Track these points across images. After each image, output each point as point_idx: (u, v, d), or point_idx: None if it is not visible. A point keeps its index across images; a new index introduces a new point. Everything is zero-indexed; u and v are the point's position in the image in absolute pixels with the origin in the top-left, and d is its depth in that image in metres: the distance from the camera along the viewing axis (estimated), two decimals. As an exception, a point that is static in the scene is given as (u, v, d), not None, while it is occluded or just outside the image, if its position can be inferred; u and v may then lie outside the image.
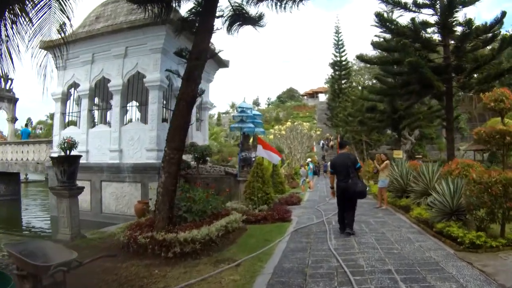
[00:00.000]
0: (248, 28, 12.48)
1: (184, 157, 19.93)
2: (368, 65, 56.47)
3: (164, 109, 20.61)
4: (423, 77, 18.10)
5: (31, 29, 7.20)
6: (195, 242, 9.24)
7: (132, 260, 9.09)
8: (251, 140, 19.65)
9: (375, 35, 23.79)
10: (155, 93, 18.85)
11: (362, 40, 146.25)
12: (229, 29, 12.20)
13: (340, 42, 61.18)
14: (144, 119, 21.18)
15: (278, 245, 10.06)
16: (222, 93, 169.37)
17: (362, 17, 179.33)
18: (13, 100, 29.51)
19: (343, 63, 60.45)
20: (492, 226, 9.25)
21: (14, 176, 27.86)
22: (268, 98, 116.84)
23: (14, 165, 25.46)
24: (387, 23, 19.79)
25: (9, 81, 29.27)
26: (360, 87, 51.14)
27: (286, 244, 10.01)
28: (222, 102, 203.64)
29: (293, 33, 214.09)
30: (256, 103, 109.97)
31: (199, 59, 10.31)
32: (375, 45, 23.96)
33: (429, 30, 20.41)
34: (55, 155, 21.48)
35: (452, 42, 19.58)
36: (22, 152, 25.03)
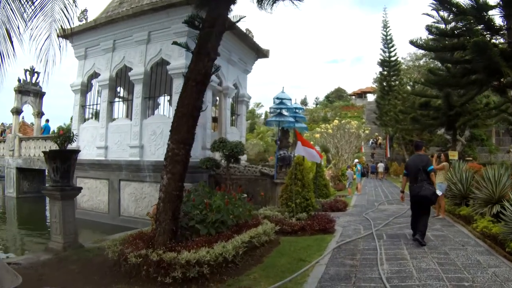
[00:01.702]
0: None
1: (215, 155, 18.02)
2: (417, 64, 53.64)
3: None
4: (490, 61, 15.26)
5: (30, 7, 6.62)
6: (202, 265, 6.99)
7: (120, 284, 7.08)
8: (291, 136, 17.32)
9: (427, 25, 20.87)
10: (179, 81, 16.54)
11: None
12: (260, 2, 9.70)
13: (388, 37, 57.88)
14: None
15: (314, 268, 7.76)
16: (270, 92, 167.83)
17: (409, 20, 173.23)
18: (39, 94, 28.26)
19: (392, 59, 57.29)
20: None
21: (39, 173, 26.56)
22: (316, 98, 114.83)
23: (36, 161, 24.12)
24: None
25: (36, 75, 27.94)
26: (411, 83, 48.20)
27: (325, 268, 7.66)
28: (270, 101, 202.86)
29: (340, 34, 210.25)
30: (304, 102, 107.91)
31: (214, 26, 8.01)
32: (430, 29, 21.17)
33: (490, 13, 17.46)
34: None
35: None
36: (45, 147, 23.51)
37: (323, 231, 11.42)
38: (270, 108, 18.00)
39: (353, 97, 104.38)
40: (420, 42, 20.95)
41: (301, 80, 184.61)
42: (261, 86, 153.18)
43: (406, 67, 59.47)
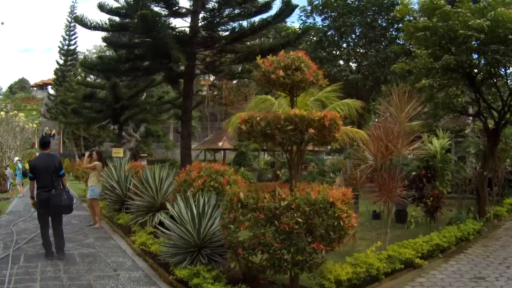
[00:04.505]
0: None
1: None
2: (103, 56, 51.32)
3: None
4: (160, 43, 12.85)
5: None
6: None
7: None
8: None
9: (99, 3, 17.48)
10: None
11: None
12: None
13: (72, 24, 53.87)
14: None
15: None
16: None
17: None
18: None
19: (71, 48, 54.13)
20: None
21: None
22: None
23: None
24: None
25: None
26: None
27: None
28: None
29: (41, 22, 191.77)
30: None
31: None
32: (102, 7, 18.00)
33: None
34: None
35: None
36: None
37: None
38: None
39: (35, 88, 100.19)
40: (85, 21, 17.46)
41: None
42: None
43: (89, 59, 56.44)
